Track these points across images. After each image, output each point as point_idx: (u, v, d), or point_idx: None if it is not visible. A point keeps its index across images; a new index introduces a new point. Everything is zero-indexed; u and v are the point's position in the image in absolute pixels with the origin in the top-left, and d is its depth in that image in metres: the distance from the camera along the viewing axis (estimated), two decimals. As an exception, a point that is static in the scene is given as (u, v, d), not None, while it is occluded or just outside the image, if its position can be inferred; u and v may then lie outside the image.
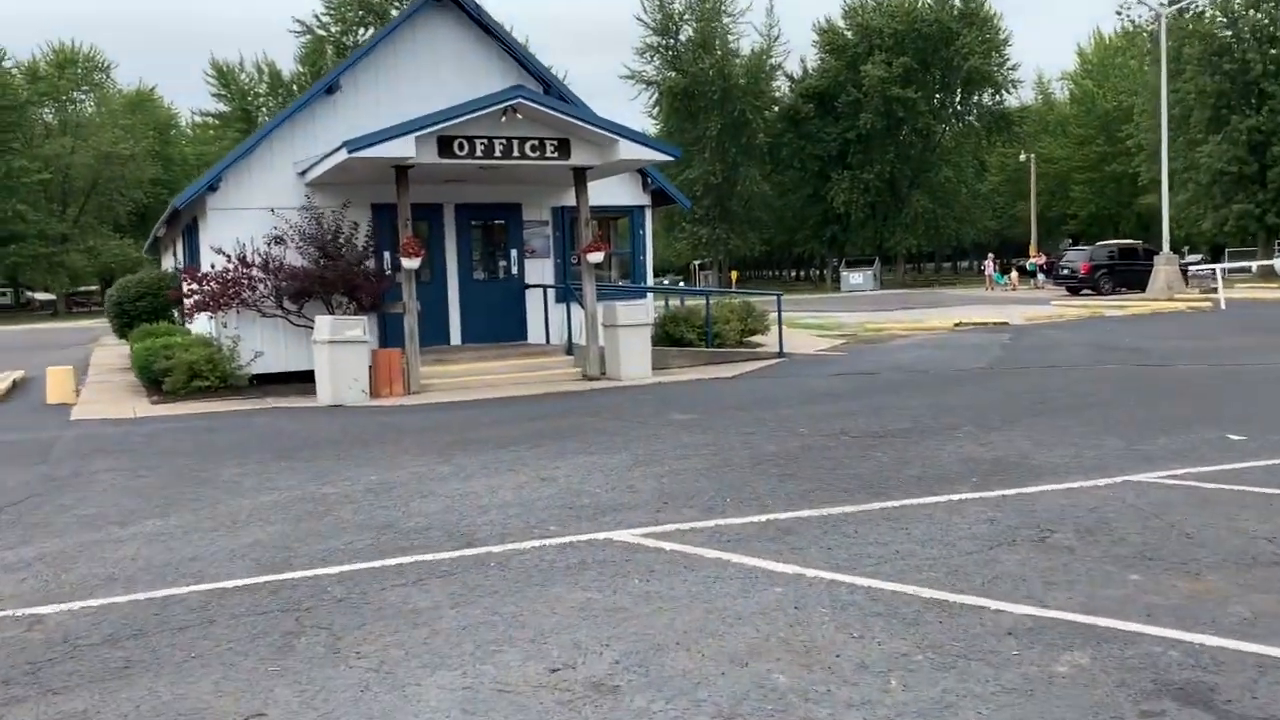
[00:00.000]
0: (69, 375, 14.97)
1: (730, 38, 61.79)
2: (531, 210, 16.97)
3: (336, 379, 12.94)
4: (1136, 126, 51.66)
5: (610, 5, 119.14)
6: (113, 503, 7.54)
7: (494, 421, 11.05)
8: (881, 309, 32.40)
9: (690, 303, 19.80)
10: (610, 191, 17.27)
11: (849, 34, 64.25)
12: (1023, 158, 58.96)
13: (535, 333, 16.78)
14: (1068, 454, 8.00)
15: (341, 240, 15.07)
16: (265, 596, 5.12)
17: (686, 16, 61.91)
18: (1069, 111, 72.37)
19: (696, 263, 69.73)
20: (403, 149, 12.80)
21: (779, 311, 17.45)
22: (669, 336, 17.20)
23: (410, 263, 13.53)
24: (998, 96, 64.62)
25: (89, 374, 19.33)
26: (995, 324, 23.67)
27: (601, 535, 6.00)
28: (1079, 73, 71.86)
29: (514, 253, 16.88)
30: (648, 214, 18.00)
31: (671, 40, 62.42)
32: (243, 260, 14.62)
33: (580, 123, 13.69)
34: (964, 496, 6.71)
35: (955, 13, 61.36)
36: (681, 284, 61.29)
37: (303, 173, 15.31)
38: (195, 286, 14.68)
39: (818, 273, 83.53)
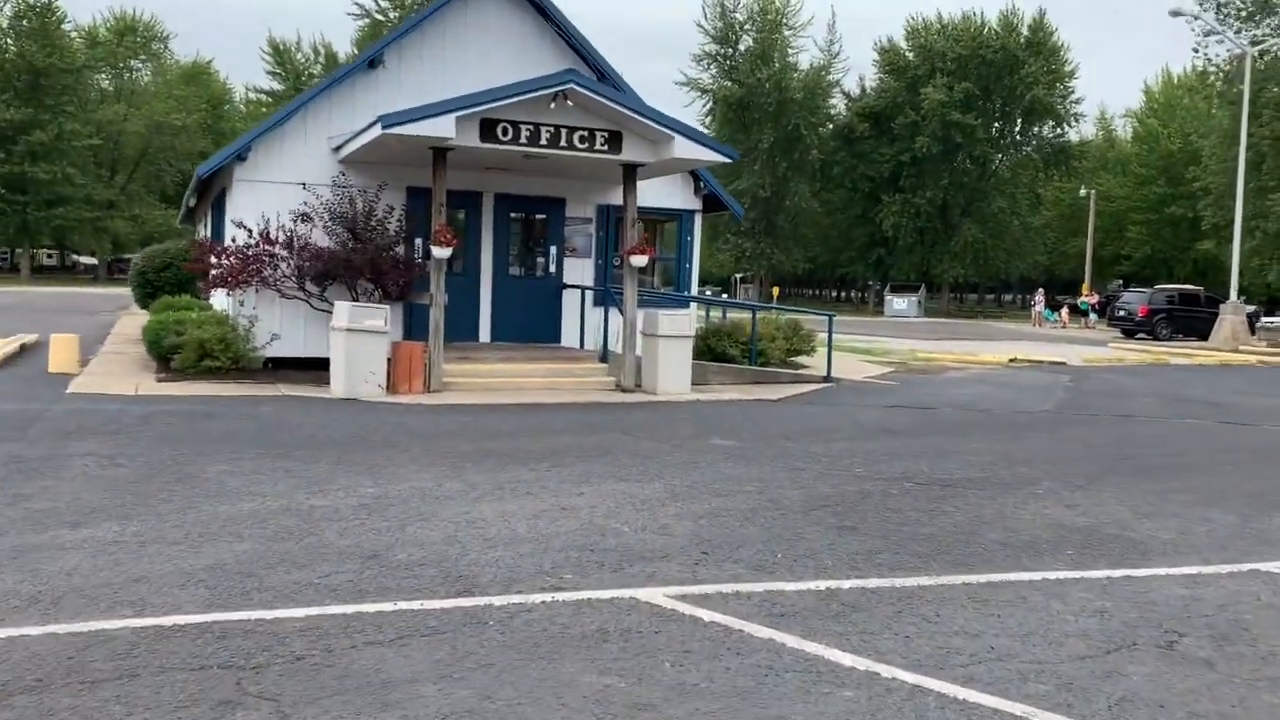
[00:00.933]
0: (73, 344, 14.16)
1: (790, 50, 60.79)
2: (575, 206, 16.01)
3: (352, 370, 12.01)
4: (1205, 169, 49.90)
5: (671, 8, 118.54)
6: (73, 496, 6.62)
7: (515, 431, 10.06)
8: (928, 338, 31.16)
9: (733, 315, 18.76)
10: (659, 192, 16.28)
11: (910, 55, 62.96)
12: (1083, 193, 57.40)
13: (569, 336, 15.80)
14: (1173, 527, 6.87)
15: (374, 223, 14.18)
16: (210, 643, 4.14)
17: (747, 26, 60.94)
18: (1131, 150, 70.56)
19: (738, 275, 68.60)
20: (442, 129, 11.86)
21: (830, 333, 16.36)
22: (710, 351, 16.15)
23: (441, 251, 12.59)
24: (1058, 129, 63.16)
25: (106, 343, 18.60)
26: (1051, 363, 22.43)
27: (627, 593, 4.98)
28: (1144, 111, 69.99)
29: (553, 250, 15.92)
30: (697, 219, 16.98)
31: (730, 49, 61.45)
32: (265, 236, 13.75)
33: (634, 115, 12.69)
34: (1062, 575, 5.61)
35: (1022, 41, 59.92)
36: (725, 296, 60.14)
37: (337, 148, 14.44)
38: (214, 260, 13.82)
39: (859, 295, 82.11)
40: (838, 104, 64.44)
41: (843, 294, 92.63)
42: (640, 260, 13.67)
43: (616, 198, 15.16)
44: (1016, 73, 58.91)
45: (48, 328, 19.82)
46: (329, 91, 14.56)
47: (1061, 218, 71.31)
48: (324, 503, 6.69)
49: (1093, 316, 47.74)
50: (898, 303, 53.59)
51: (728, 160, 13.29)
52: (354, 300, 14.02)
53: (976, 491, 7.82)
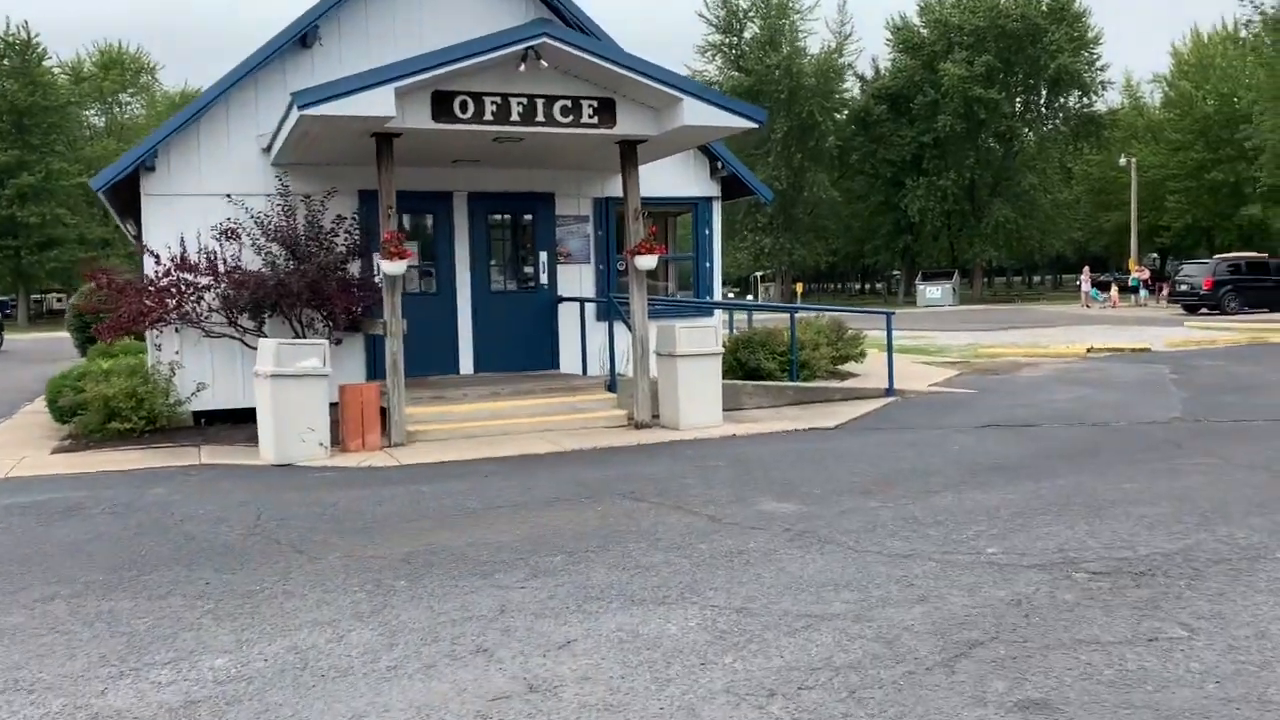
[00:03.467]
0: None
1: (799, 35, 57.81)
2: (567, 201, 13.21)
3: (283, 428, 9.23)
4: (1257, 127, 46.51)
5: (669, 6, 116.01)
6: None
7: (488, 507, 7.23)
8: (978, 328, 28.13)
9: (761, 320, 15.92)
10: (667, 177, 13.47)
11: (924, 31, 59.85)
12: (1123, 161, 54.04)
13: (569, 360, 12.99)
14: None
15: (320, 237, 11.44)
16: None
17: (751, 13, 58.08)
18: (1163, 116, 67.02)
19: (758, 274, 65.62)
20: (378, 105, 9.07)
21: (889, 335, 13.41)
22: (741, 366, 13.32)
23: (393, 266, 9.80)
24: (1085, 99, 59.88)
25: (36, 402, 15.91)
26: (1134, 350, 19.43)
27: None
28: (1175, 74, 66.44)
29: (543, 256, 13.11)
30: (716, 207, 14.12)
31: (735, 38, 58.60)
32: (181, 261, 11.03)
33: (629, 73, 9.85)
34: None
35: (1043, 7, 56.70)
36: (750, 299, 57.11)
37: (267, 148, 11.72)
38: (105, 295, 11.11)
39: (886, 286, 79.03)
40: (852, 88, 61.47)
41: (867, 286, 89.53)
42: (648, 262, 10.85)
43: (615, 187, 12.36)
44: (1039, 42, 55.71)
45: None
46: (254, 78, 11.79)
47: (1091, 192, 67.94)
48: (126, 698, 3.90)
49: (1143, 293, 44.56)
50: (931, 291, 50.52)
51: (752, 124, 10.41)
52: (298, 334, 11.29)
53: (1194, 585, 4.93)
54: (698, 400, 10.75)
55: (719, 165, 13.66)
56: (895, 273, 74.88)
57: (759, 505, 7.00)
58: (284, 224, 11.29)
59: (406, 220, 12.65)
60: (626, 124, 10.39)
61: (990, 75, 55.01)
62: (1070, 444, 9.27)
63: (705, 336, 10.97)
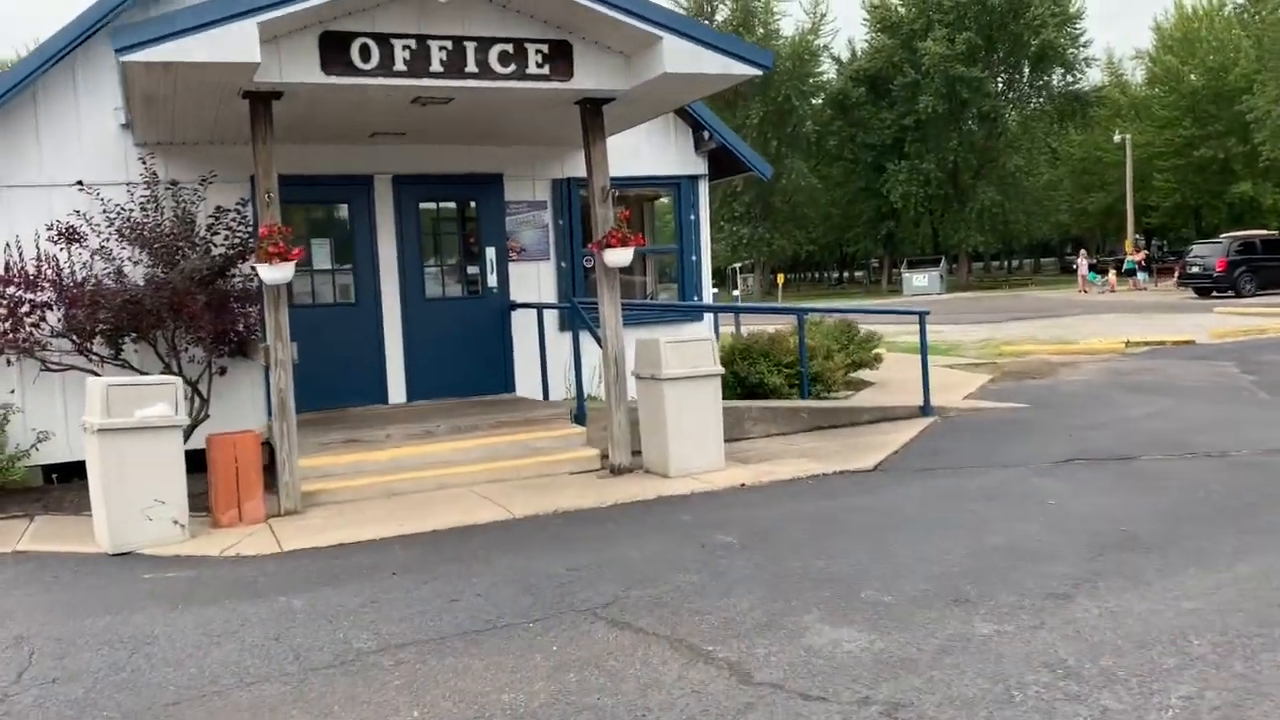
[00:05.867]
0: None
1: (773, 16, 55.37)
2: (518, 184, 10.62)
3: (120, 502, 6.61)
4: (1255, 95, 44.42)
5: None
6: None
7: (381, 647, 4.66)
8: (981, 319, 25.75)
9: (752, 325, 13.41)
10: (644, 151, 10.94)
11: (902, 9, 57.45)
12: (1116, 138, 51.98)
13: (526, 381, 10.43)
14: None
15: (195, 237, 8.80)
16: None
17: (722, -6, 55.61)
18: (1148, 93, 65.02)
19: (736, 265, 63.16)
20: (235, 47, 6.43)
21: (923, 341, 10.88)
22: (739, 382, 10.82)
23: (274, 271, 7.18)
24: (1069, 77, 57.74)
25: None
26: (1176, 343, 17.12)
27: None
28: (1160, 49, 64.44)
29: (491, 253, 10.52)
30: (703, 188, 11.56)
31: (707, 21, 55.99)
32: (5, 274, 8.38)
33: (589, 3, 7.27)
34: None
35: (1025, -20, 54.46)
36: (736, 296, 54.52)
37: (126, 123, 9.07)
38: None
39: (868, 275, 76.80)
40: (828, 70, 59.02)
41: (846, 274, 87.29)
42: (621, 257, 8.28)
43: (578, 166, 9.81)
44: (1021, 17, 53.49)
45: None
46: (110, 28, 9.11)
47: (1074, 173, 65.90)
48: None
49: (1141, 276, 42.39)
50: (918, 279, 48.23)
51: (756, 70, 7.84)
52: (165, 363, 8.67)
53: None
54: (692, 438, 8.21)
55: (705, 135, 11.10)
56: (874, 261, 72.61)
57: (807, 633, 4.47)
58: (145, 219, 8.65)
59: (316, 212, 10.05)
60: (587, 75, 7.82)
61: (972, 53, 52.73)
62: (1202, 489, 6.82)
63: (699, 353, 8.41)
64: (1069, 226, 70.85)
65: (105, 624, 5.19)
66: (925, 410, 10.40)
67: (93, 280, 8.49)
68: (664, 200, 12.08)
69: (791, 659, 4.19)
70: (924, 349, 10.72)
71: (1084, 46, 57.22)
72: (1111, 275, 41.22)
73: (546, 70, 7.65)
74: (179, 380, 6.95)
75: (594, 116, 8.41)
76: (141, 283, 8.38)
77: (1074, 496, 6.84)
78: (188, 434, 8.46)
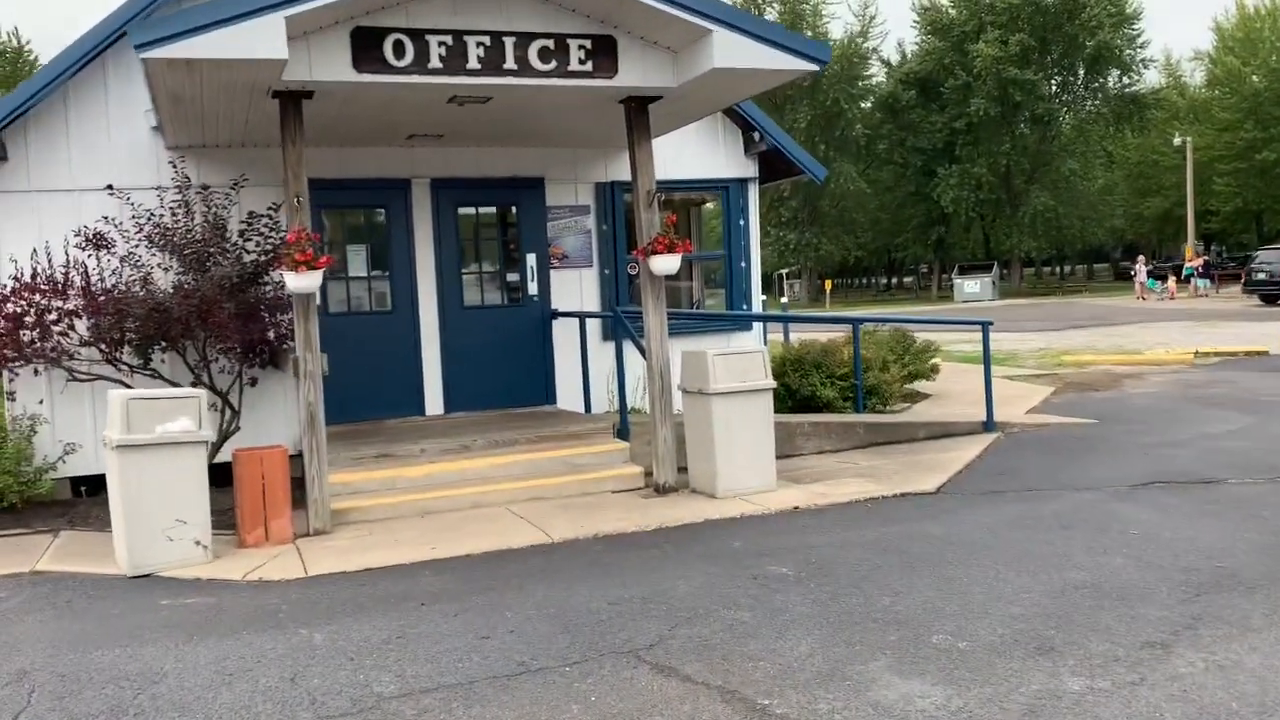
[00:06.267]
0: None
1: (821, 19, 54.64)
2: (560, 188, 10.23)
3: (140, 522, 6.29)
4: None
5: None
6: None
7: (402, 692, 4.26)
8: (1038, 326, 24.96)
9: (803, 335, 12.92)
10: (690, 153, 10.51)
11: (953, 11, 56.44)
12: (1177, 141, 50.63)
13: (567, 392, 10.03)
14: None
15: (226, 243, 8.52)
16: None
17: (770, -2, 54.98)
18: (1208, 95, 63.33)
19: (783, 271, 62.47)
20: (261, 43, 6.10)
21: (986, 352, 10.31)
22: (790, 394, 10.34)
23: (301, 279, 6.84)
24: (1125, 79, 56.33)
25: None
26: (1249, 354, 16.34)
27: None
28: (1220, 50, 62.75)
29: (532, 259, 10.14)
30: (752, 192, 11.09)
31: (753, 23, 55.40)
32: (32, 280, 8.14)
33: (634, -4, 6.87)
34: None
35: (1081, -20, 53.24)
36: (783, 303, 53.86)
37: (157, 125, 8.82)
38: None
39: (917, 280, 75.69)
40: (877, 73, 58.18)
41: (895, 280, 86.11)
42: (668, 264, 7.85)
43: (623, 169, 9.43)
44: (1077, 17, 52.26)
45: None
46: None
47: (1129, 177, 64.37)
48: None
49: (1202, 283, 41.13)
50: (969, 286, 47.28)
51: (812, 66, 7.38)
52: (195, 374, 8.39)
53: None
54: (741, 456, 7.75)
55: (756, 136, 10.63)
56: (924, 266, 71.47)
57: (874, 685, 4.00)
58: (176, 225, 8.37)
59: (352, 217, 9.74)
60: (632, 72, 7.41)
61: (1025, 55, 51.63)
62: (1302, 521, 6.23)
63: (749, 365, 7.95)
64: (1124, 232, 69.28)
65: (114, 658, 4.85)
66: (988, 426, 9.84)
67: (120, 287, 8.23)
68: (710, 205, 11.62)
69: (858, 717, 3.72)
70: (987, 361, 10.14)
71: (1142, 47, 55.87)
72: (1171, 282, 40.06)
73: (589, 67, 7.25)
74: (203, 393, 6.62)
75: (639, 116, 7.98)
76: (171, 290, 8.10)
77: (1159, 525, 6.28)
78: (218, 447, 8.20)
